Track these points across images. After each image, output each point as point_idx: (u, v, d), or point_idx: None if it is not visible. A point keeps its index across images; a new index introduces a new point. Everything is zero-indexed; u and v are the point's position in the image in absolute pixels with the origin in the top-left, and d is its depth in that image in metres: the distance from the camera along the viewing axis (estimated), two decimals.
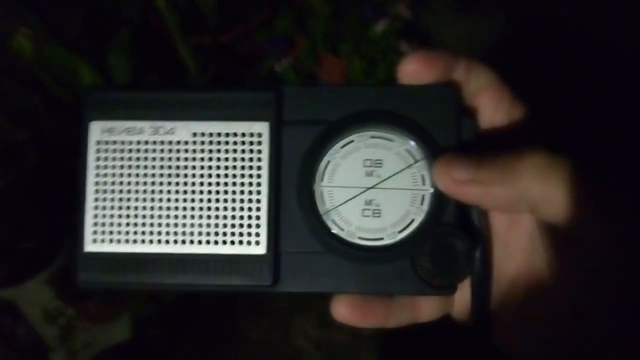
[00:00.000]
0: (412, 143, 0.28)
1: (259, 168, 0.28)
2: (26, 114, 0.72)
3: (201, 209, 0.28)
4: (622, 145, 0.89)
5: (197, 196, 0.28)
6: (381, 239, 0.28)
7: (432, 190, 0.28)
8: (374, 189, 0.28)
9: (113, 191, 0.29)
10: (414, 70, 0.27)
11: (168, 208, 0.28)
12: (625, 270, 0.23)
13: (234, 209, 0.28)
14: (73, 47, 0.70)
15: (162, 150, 0.29)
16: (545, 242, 0.27)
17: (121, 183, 0.29)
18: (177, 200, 0.28)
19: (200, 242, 0.28)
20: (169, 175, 0.28)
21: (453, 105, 0.28)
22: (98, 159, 0.29)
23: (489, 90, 0.28)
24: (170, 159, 0.29)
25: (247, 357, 0.88)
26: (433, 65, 0.27)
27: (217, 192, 0.28)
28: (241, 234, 0.28)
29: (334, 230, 0.28)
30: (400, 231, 0.28)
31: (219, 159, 0.29)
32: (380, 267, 0.28)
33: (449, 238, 0.27)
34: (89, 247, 0.28)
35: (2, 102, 0.71)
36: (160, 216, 0.28)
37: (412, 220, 0.28)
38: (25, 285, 0.77)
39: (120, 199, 0.28)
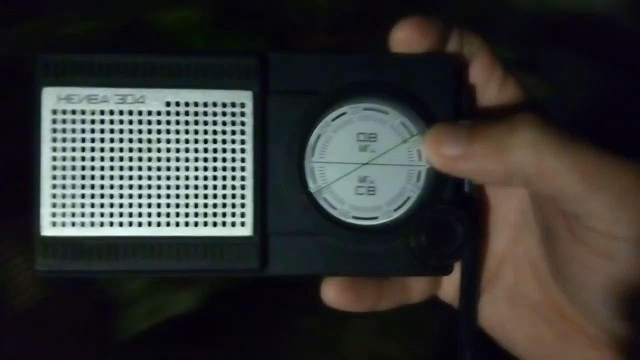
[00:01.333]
0: (408, 115, 0.27)
1: (242, 142, 0.26)
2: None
3: (178, 187, 0.25)
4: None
5: (172, 173, 0.25)
6: (376, 217, 0.27)
7: (428, 166, 0.27)
8: (368, 165, 0.27)
9: (74, 168, 0.25)
10: (406, 37, 0.26)
11: (139, 187, 0.25)
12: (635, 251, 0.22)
13: (215, 187, 0.26)
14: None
15: (130, 122, 0.25)
16: (539, 217, 0.27)
17: (83, 159, 0.25)
18: (149, 177, 0.25)
19: (177, 223, 0.25)
20: (139, 150, 0.25)
21: (450, 75, 0.27)
22: (54, 130, 0.25)
23: (481, 59, 0.27)
24: (140, 131, 0.25)
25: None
26: (427, 33, 0.26)
27: (196, 169, 0.26)
28: (224, 214, 0.26)
29: (326, 209, 0.27)
30: (396, 209, 0.27)
31: (196, 132, 0.26)
32: (375, 247, 0.27)
33: (447, 216, 0.26)
34: (47, 230, 0.25)
35: None
36: (130, 196, 0.25)
37: (408, 198, 0.27)
38: None
39: (83, 177, 0.25)
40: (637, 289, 0.23)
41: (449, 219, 0.26)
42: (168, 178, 0.25)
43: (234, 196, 0.26)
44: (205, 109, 0.26)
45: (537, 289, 0.27)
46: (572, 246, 0.24)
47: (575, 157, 0.22)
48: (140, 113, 0.25)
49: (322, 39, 0.79)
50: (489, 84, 0.27)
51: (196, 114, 0.26)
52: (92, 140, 0.25)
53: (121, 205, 0.25)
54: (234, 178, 0.26)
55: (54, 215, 0.25)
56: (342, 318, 0.86)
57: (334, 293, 0.27)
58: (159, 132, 0.25)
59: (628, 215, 0.22)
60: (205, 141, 0.26)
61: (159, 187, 0.25)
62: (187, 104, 0.26)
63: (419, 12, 0.26)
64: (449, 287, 0.29)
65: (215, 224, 0.26)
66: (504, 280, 0.28)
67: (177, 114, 0.25)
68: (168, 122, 0.25)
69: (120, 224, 0.25)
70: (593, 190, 0.22)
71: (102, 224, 0.25)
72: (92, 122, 0.25)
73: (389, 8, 0.83)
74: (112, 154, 0.25)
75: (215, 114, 0.26)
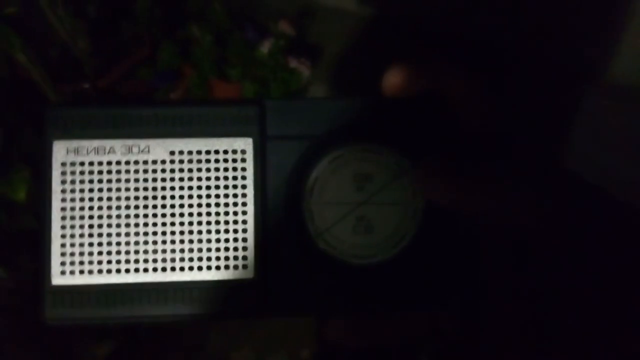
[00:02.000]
0: (401, 156, 0.28)
1: (243, 187, 0.27)
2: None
3: (182, 233, 0.26)
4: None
5: (177, 219, 0.26)
6: (375, 255, 0.27)
7: (423, 202, 0.28)
8: (365, 205, 0.27)
9: (82, 217, 0.26)
10: (396, 83, 0.27)
11: (145, 234, 0.26)
12: None
13: (218, 231, 0.26)
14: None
15: (136, 171, 0.26)
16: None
17: (91, 208, 0.26)
18: (154, 224, 0.26)
19: (182, 268, 0.26)
20: (145, 198, 0.26)
21: (437, 115, 0.28)
22: (64, 182, 0.26)
23: (472, 99, 0.28)
24: (145, 180, 0.26)
25: None
26: (415, 78, 0.27)
27: (199, 215, 0.26)
28: (227, 258, 0.26)
29: (326, 249, 0.27)
30: (394, 246, 0.28)
31: (199, 179, 0.27)
32: (375, 285, 0.27)
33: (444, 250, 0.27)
34: (57, 280, 0.25)
35: None
36: (136, 243, 0.26)
37: (405, 234, 0.28)
38: None
39: (91, 226, 0.26)
40: None
41: (446, 252, 0.27)
42: (172, 224, 0.26)
43: (235, 240, 0.26)
44: (208, 156, 0.27)
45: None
46: None
47: None
48: (145, 162, 0.26)
49: None
50: (474, 113, 0.28)
51: (199, 161, 0.27)
52: (100, 190, 0.26)
53: (127, 252, 0.26)
54: (235, 222, 0.26)
55: (63, 264, 0.25)
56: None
57: (338, 332, 0.27)
58: (163, 180, 0.26)
59: None
60: (208, 187, 0.26)
61: (163, 233, 0.26)
62: (190, 152, 0.27)
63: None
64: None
65: (218, 268, 0.26)
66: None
67: (181, 162, 0.26)
68: (172, 171, 0.26)
69: (127, 271, 0.26)
70: None
71: (109, 272, 0.26)
72: (100, 172, 0.26)
73: None
74: (119, 203, 0.26)
75: (217, 161, 0.27)
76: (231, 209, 0.27)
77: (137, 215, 0.26)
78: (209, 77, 0.94)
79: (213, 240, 0.26)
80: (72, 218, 0.25)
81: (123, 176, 0.26)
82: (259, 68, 0.92)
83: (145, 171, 0.26)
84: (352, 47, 1.08)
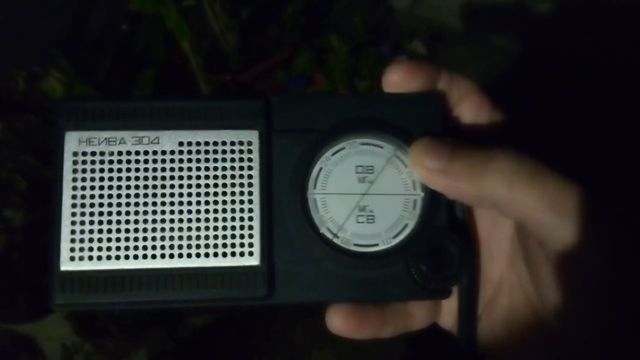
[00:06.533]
0: (401, 149, 0.29)
1: (249, 177, 0.28)
2: (52, 152, 0.74)
3: (190, 220, 0.27)
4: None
5: (185, 208, 0.27)
6: (376, 245, 0.28)
7: (422, 194, 0.28)
8: (367, 195, 0.28)
9: (92, 205, 0.27)
10: (397, 79, 0.28)
11: (154, 221, 0.27)
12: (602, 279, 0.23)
13: (225, 219, 0.27)
14: (101, 88, 0.72)
15: (146, 161, 0.27)
16: (520, 242, 0.28)
17: (101, 196, 0.27)
18: (163, 212, 0.27)
19: (190, 255, 0.27)
20: (154, 187, 0.27)
21: (437, 111, 0.29)
22: (75, 170, 0.27)
23: (470, 99, 0.29)
24: (155, 169, 0.27)
25: None
26: (416, 75, 0.28)
27: (207, 203, 0.27)
28: (233, 245, 0.27)
29: (329, 237, 0.28)
30: (395, 236, 0.28)
31: (207, 169, 0.27)
32: (376, 273, 0.28)
33: (443, 241, 0.27)
34: (66, 265, 0.26)
35: (32, 141, 0.71)
36: (145, 230, 0.27)
37: (406, 225, 0.28)
38: (45, 321, 0.75)
39: (101, 213, 0.27)
40: (614, 309, 0.24)
41: (445, 243, 0.27)
42: (181, 212, 0.27)
43: (242, 227, 0.27)
44: (216, 147, 0.27)
45: (530, 314, 0.28)
46: (544, 269, 0.25)
47: (543, 187, 0.24)
48: (155, 153, 0.27)
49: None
50: (477, 119, 0.29)
51: (207, 152, 0.27)
52: (110, 179, 0.27)
53: (136, 239, 0.26)
54: (242, 211, 0.27)
55: (72, 250, 0.26)
56: (305, 355, 0.88)
57: (338, 320, 0.27)
58: (172, 170, 0.27)
59: (591, 241, 0.23)
60: (215, 177, 0.27)
61: (172, 221, 0.27)
62: (198, 144, 0.27)
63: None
64: (448, 314, 0.30)
65: (225, 255, 0.27)
66: (501, 305, 0.29)
67: (190, 152, 0.27)
68: (181, 161, 0.27)
69: (135, 257, 0.26)
70: (559, 218, 0.23)
71: (118, 258, 0.26)
72: (110, 162, 0.27)
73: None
74: (128, 191, 0.27)
75: (224, 152, 0.27)
76: (237, 198, 0.27)
77: (145, 203, 0.27)
78: (337, 86, 0.97)
79: (220, 228, 0.27)
80: (82, 206, 0.26)
81: (133, 165, 0.27)
82: None
83: (155, 161, 0.27)
84: (479, 73, 1.10)
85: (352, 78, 0.97)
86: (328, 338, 0.90)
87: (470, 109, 0.29)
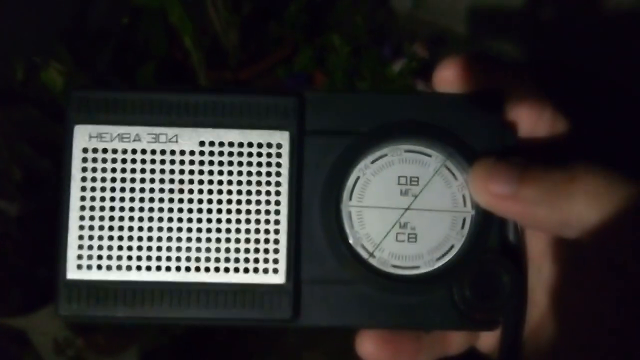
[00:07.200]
0: (452, 158, 0.25)
1: (277, 184, 0.25)
2: (49, 143, 0.73)
3: (209, 230, 0.24)
4: None
5: (204, 216, 0.24)
6: (417, 267, 0.25)
7: (474, 212, 0.25)
8: (409, 210, 0.25)
9: (102, 208, 0.24)
10: (451, 77, 0.25)
11: (169, 229, 0.24)
12: None
13: (248, 231, 0.24)
14: (101, 80, 0.72)
15: (162, 161, 0.24)
16: (561, 262, 0.25)
17: (112, 199, 0.24)
18: (180, 220, 0.24)
19: (208, 269, 0.24)
20: (171, 191, 0.24)
21: (498, 116, 0.25)
22: (84, 169, 0.24)
23: (530, 101, 0.25)
24: (172, 171, 0.24)
25: None
26: (471, 72, 0.25)
27: (229, 212, 0.24)
28: (257, 261, 0.24)
29: (364, 257, 0.25)
30: (439, 258, 0.25)
31: (230, 173, 0.25)
32: (415, 298, 0.25)
33: (494, 267, 0.24)
34: (72, 274, 0.24)
35: (29, 132, 0.71)
36: (159, 239, 0.24)
37: (452, 246, 0.25)
38: (36, 315, 0.75)
39: (111, 218, 0.24)
40: None
41: (495, 269, 0.24)
42: (199, 221, 0.24)
43: (267, 241, 0.24)
44: (241, 149, 0.25)
45: (584, 342, 0.25)
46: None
47: None
48: (173, 153, 0.24)
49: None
50: (538, 125, 0.26)
51: (231, 154, 0.25)
52: (123, 180, 0.24)
53: (149, 249, 0.24)
54: (267, 222, 0.24)
55: (80, 257, 0.24)
56: (296, 355, 0.87)
57: (371, 346, 0.25)
58: (191, 172, 0.24)
59: None
60: (239, 183, 0.24)
61: (189, 230, 0.24)
62: (221, 144, 0.25)
63: None
64: (488, 337, 0.28)
65: (246, 270, 0.24)
66: (548, 334, 0.26)
67: (211, 154, 0.25)
68: (201, 163, 0.24)
69: (148, 268, 0.24)
70: None
71: (129, 268, 0.24)
72: (123, 161, 0.24)
73: None
74: (142, 195, 0.24)
75: (250, 155, 0.25)
76: (263, 208, 0.24)
77: (161, 209, 0.24)
78: (338, 86, 0.97)
79: (242, 241, 0.24)
80: (92, 209, 0.24)
81: (148, 166, 0.24)
82: (386, 85, 0.94)
83: (173, 162, 0.24)
84: None
85: (352, 78, 0.96)
86: (319, 339, 0.89)
87: (529, 112, 0.26)
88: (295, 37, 0.96)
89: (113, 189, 0.24)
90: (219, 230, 0.24)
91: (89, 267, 0.24)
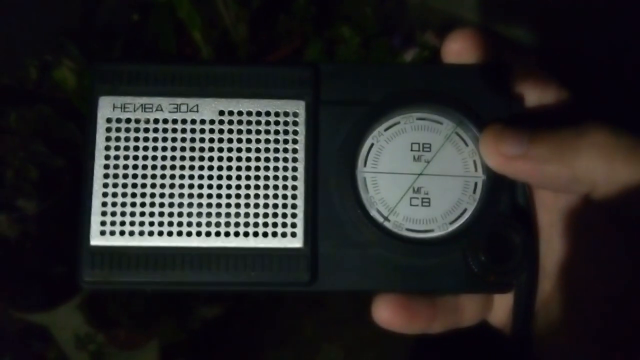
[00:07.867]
0: (463, 125, 0.26)
1: (294, 151, 0.25)
2: (63, 141, 0.74)
3: (229, 197, 0.25)
4: None
5: (224, 182, 0.25)
6: (431, 230, 0.26)
7: (484, 177, 0.26)
8: (422, 176, 0.26)
9: (126, 176, 0.25)
10: (458, 48, 0.25)
11: (190, 196, 0.25)
12: None
13: (266, 196, 0.25)
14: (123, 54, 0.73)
15: (183, 130, 0.25)
16: (573, 228, 0.25)
17: (135, 167, 0.25)
18: (200, 186, 0.25)
19: (227, 234, 0.25)
20: (192, 159, 0.25)
21: (506, 85, 0.26)
22: (108, 138, 0.25)
23: (535, 75, 0.26)
24: (193, 139, 0.25)
25: None
26: (478, 45, 0.25)
27: (248, 178, 0.25)
28: (275, 225, 0.25)
29: (379, 221, 0.26)
30: (452, 222, 0.26)
31: (249, 141, 0.25)
32: (430, 261, 0.25)
33: (506, 230, 0.25)
34: (96, 240, 0.24)
35: (42, 130, 0.72)
36: (180, 205, 0.25)
37: (465, 210, 0.26)
38: (58, 310, 0.76)
39: (134, 185, 0.25)
40: None
41: (507, 232, 0.25)
42: (219, 187, 0.25)
43: (285, 206, 0.25)
44: (259, 118, 0.25)
45: (594, 312, 0.25)
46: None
47: None
48: (194, 122, 0.25)
49: None
50: (543, 97, 0.26)
51: (249, 123, 0.25)
52: (145, 149, 0.25)
53: (171, 215, 0.25)
54: (285, 188, 0.25)
55: (103, 224, 0.25)
56: (314, 348, 0.87)
57: (386, 312, 0.25)
58: (211, 141, 0.25)
59: None
60: (258, 150, 0.25)
61: (209, 196, 0.25)
62: (240, 113, 0.25)
63: None
64: (500, 311, 0.28)
65: (265, 235, 0.25)
66: (558, 305, 0.26)
67: (230, 122, 0.25)
68: (221, 131, 0.25)
69: (170, 234, 0.25)
70: None
71: (151, 234, 0.25)
72: (146, 130, 0.25)
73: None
74: (164, 163, 0.25)
75: (268, 124, 0.25)
76: (281, 174, 0.25)
77: (182, 176, 0.25)
78: None
79: (261, 206, 0.25)
80: (115, 176, 0.25)
81: (170, 135, 0.25)
82: None
83: (193, 131, 0.25)
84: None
85: None
86: (337, 331, 0.90)
87: (535, 85, 0.26)
88: (304, 30, 0.96)
89: (136, 157, 0.25)
90: (238, 196, 0.25)
91: (112, 233, 0.24)
